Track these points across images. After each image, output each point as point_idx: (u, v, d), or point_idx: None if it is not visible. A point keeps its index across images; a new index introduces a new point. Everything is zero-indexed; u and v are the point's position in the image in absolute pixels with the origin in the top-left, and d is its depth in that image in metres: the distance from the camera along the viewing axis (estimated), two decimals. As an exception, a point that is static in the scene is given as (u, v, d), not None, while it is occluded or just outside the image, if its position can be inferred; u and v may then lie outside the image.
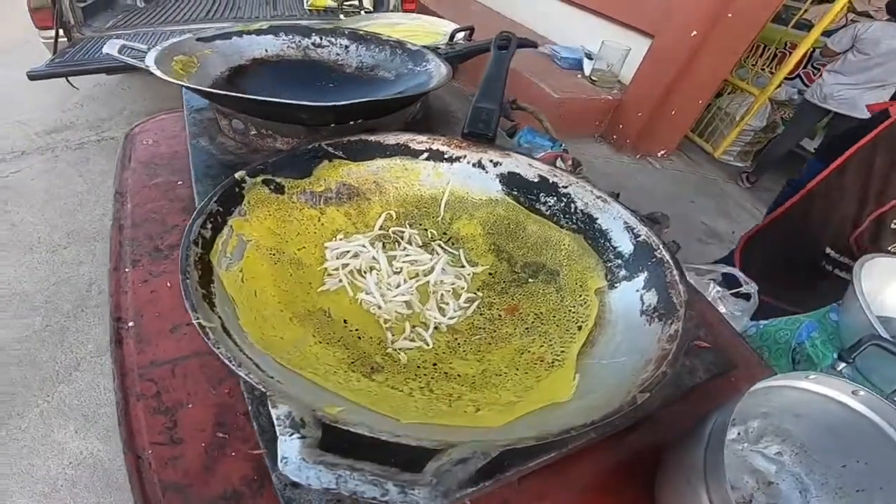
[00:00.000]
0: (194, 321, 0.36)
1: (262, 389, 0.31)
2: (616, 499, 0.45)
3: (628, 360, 0.42)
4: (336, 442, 0.29)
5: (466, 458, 0.27)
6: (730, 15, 2.66)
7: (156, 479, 0.41)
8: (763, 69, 3.49)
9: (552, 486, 0.45)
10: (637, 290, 0.50)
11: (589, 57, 3.34)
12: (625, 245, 0.55)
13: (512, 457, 0.40)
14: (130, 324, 0.54)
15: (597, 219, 0.58)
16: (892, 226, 1.15)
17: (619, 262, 0.54)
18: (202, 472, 0.42)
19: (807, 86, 3.24)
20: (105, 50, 0.69)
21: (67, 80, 2.25)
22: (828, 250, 1.22)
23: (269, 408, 0.29)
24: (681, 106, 3.12)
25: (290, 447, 0.26)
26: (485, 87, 0.68)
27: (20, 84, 2.19)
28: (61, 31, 2.25)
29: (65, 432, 1.40)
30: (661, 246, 0.51)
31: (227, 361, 0.33)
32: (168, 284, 0.59)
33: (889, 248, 1.16)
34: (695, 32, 2.73)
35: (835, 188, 1.23)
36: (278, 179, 0.56)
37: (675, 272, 0.48)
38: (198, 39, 0.79)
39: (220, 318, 0.38)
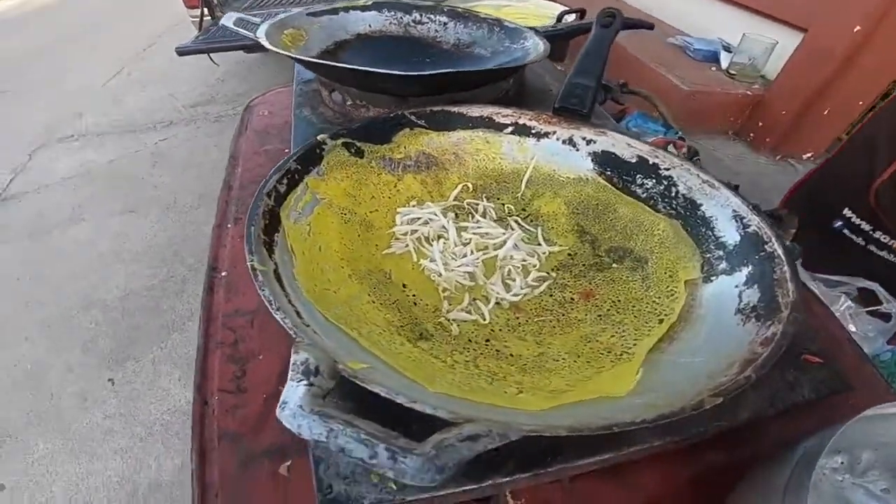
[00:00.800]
0: (248, 263, 0.36)
1: (293, 334, 0.30)
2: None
3: (706, 361, 0.36)
4: (357, 399, 0.28)
5: (478, 436, 0.23)
6: (901, 9, 2.25)
7: (215, 425, 0.42)
8: (943, 71, 2.94)
9: (607, 492, 0.39)
10: (736, 286, 0.43)
11: (727, 49, 3.04)
12: (730, 235, 0.48)
13: (554, 451, 0.36)
14: (223, 273, 0.57)
15: (701, 205, 0.52)
16: None
17: (721, 253, 0.47)
18: (257, 423, 0.42)
19: None
20: (222, 22, 0.74)
21: (209, 57, 2.43)
22: (846, 211, 1.01)
23: (292, 353, 0.28)
24: (835, 107, 2.71)
25: (293, 393, 0.25)
26: (582, 63, 0.63)
27: (175, 60, 2.43)
28: (206, 10, 2.41)
29: (170, 379, 1.50)
30: (773, 238, 0.44)
31: (267, 304, 0.33)
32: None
33: None
34: (858, 28, 2.35)
35: (854, 146, 1.06)
36: (359, 143, 0.56)
37: (785, 268, 0.40)
38: (308, 14, 0.82)
39: (275, 264, 0.38)
